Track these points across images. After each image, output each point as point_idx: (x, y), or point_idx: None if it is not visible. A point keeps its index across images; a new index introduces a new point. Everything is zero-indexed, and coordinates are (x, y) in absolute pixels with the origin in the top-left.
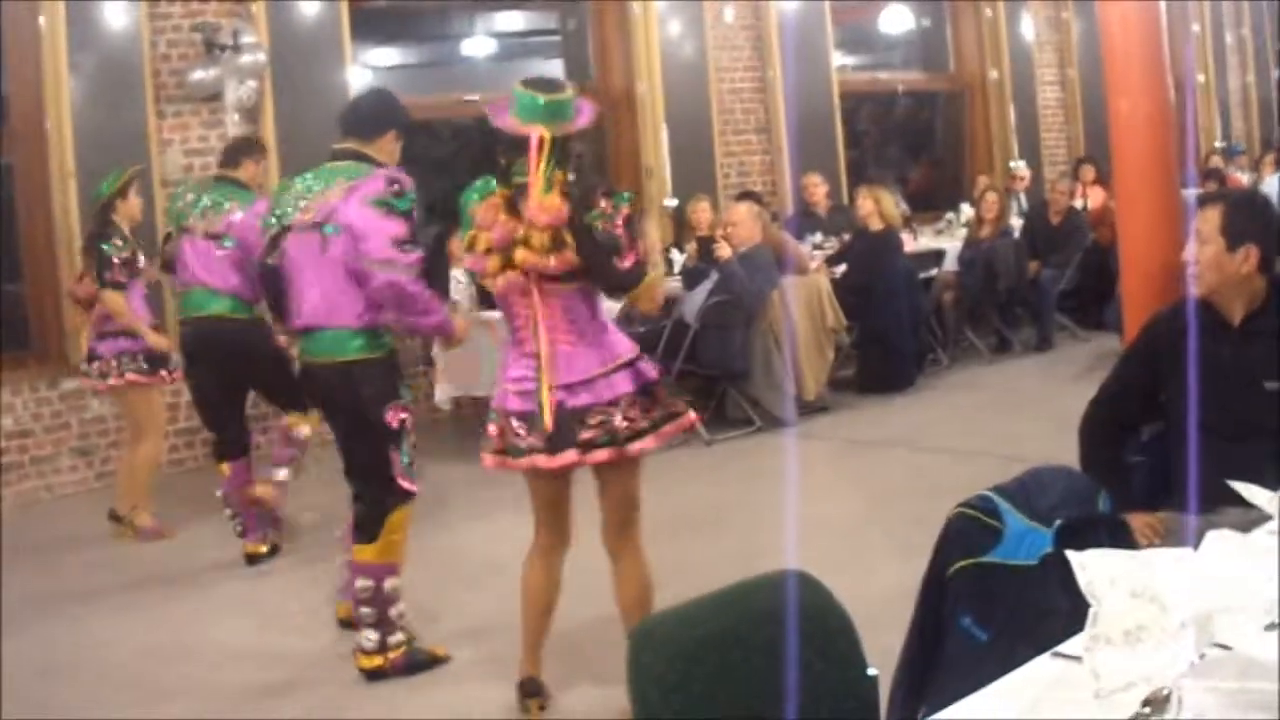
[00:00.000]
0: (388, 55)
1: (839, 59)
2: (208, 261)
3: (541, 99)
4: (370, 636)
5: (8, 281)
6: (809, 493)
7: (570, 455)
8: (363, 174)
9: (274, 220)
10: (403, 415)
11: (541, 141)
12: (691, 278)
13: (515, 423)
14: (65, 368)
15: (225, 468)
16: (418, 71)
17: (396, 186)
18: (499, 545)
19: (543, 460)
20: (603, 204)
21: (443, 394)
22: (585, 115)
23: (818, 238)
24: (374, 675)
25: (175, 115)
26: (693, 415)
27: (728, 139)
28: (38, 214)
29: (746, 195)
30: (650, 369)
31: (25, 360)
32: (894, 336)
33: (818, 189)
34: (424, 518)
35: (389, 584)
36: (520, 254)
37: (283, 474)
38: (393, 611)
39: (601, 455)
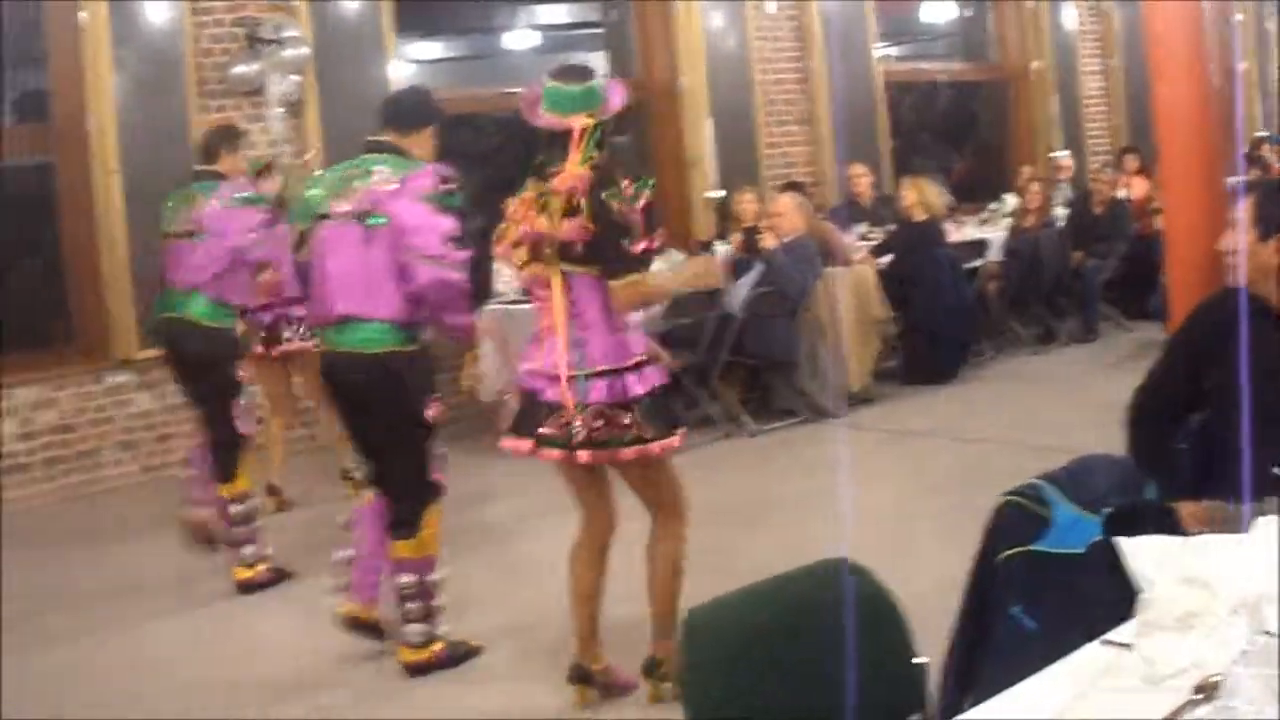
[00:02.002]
0: (430, 48)
1: (881, 49)
2: (181, 262)
3: (576, 88)
4: (417, 630)
5: (52, 277)
6: (855, 483)
7: (524, 444)
8: (408, 168)
9: (307, 212)
10: (437, 409)
11: (583, 130)
12: (737, 269)
13: (523, 403)
14: (108, 363)
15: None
16: (460, 65)
17: (447, 184)
18: (536, 539)
19: (507, 441)
20: (623, 184)
21: (488, 386)
22: (618, 97)
23: (862, 228)
24: (418, 670)
25: (218, 110)
26: (659, 446)
27: (771, 130)
28: (80, 211)
29: (791, 186)
30: (636, 384)
31: (69, 355)
32: (939, 327)
33: (862, 180)
34: (461, 512)
35: (431, 577)
36: (539, 221)
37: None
38: (436, 604)
39: (552, 454)
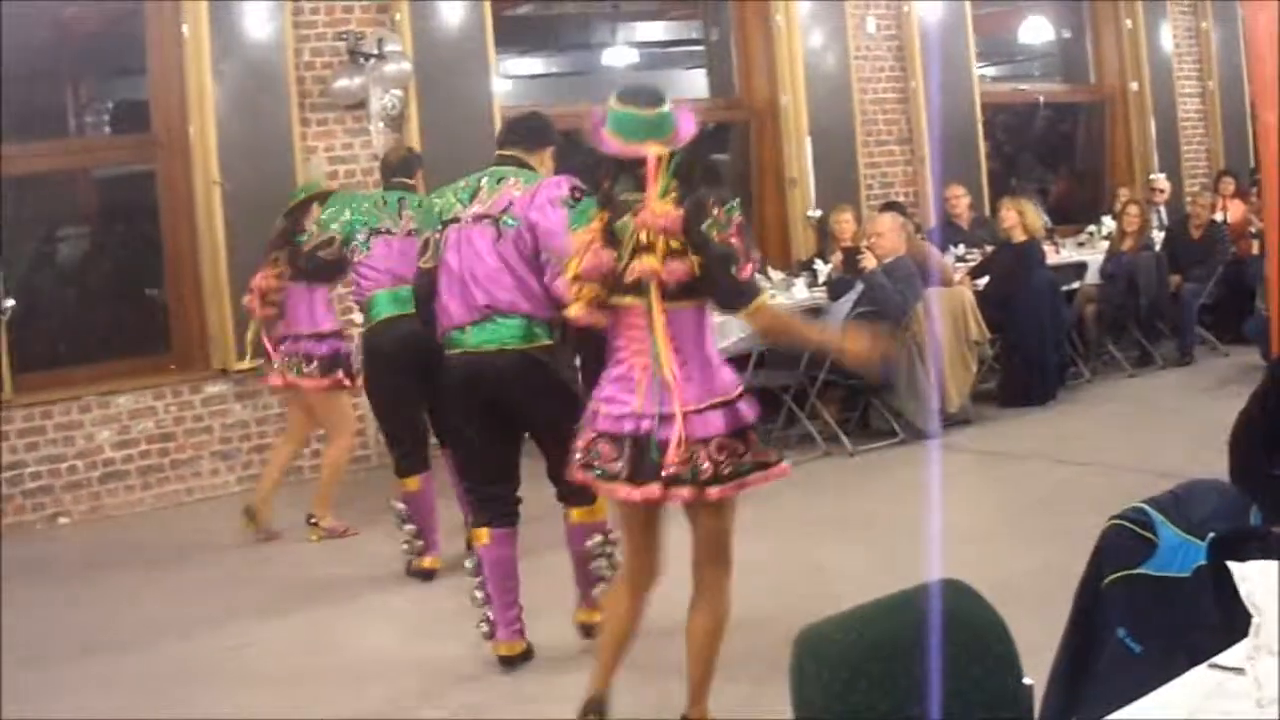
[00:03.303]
0: (530, 64)
1: (979, 70)
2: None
3: (647, 114)
4: (604, 588)
5: (150, 287)
6: (951, 504)
7: (653, 490)
8: (537, 178)
9: (434, 221)
10: None
11: (659, 160)
12: (836, 289)
13: (603, 445)
14: (207, 372)
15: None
16: (559, 80)
17: (579, 192)
18: None
19: (623, 490)
20: (715, 212)
21: None
22: (688, 126)
23: (960, 249)
24: (592, 633)
25: (320, 123)
26: (785, 467)
27: (870, 150)
28: (181, 220)
29: (890, 206)
30: (748, 412)
31: (167, 364)
32: (1036, 349)
33: (960, 200)
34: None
35: (613, 535)
36: (642, 262)
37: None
38: (618, 561)
39: (683, 494)
